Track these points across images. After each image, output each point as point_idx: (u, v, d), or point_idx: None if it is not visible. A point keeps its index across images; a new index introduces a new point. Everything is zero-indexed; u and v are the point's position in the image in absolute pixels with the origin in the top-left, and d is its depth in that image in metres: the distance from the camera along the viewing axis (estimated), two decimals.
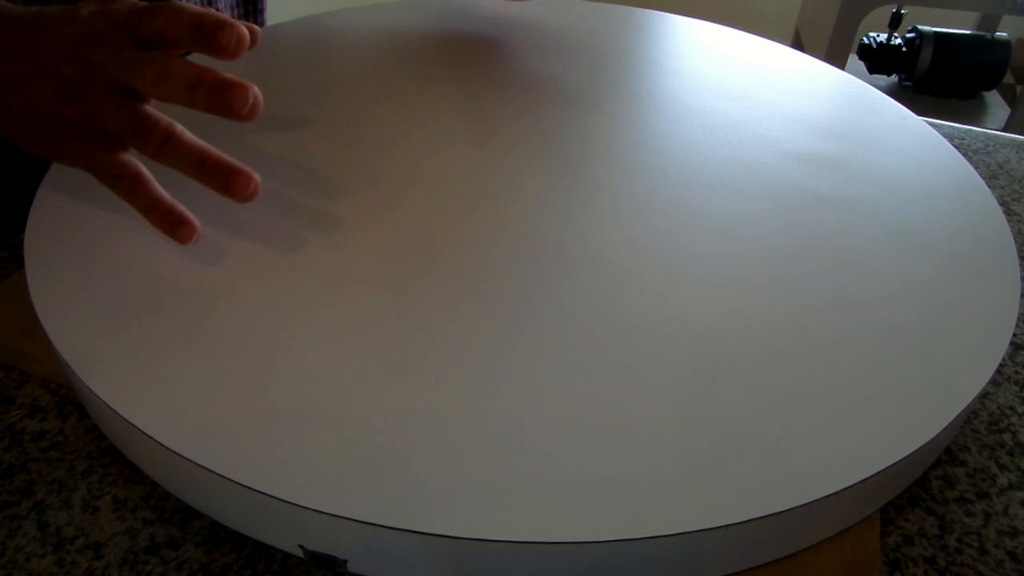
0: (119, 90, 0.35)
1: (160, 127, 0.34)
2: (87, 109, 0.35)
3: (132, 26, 0.35)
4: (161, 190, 0.37)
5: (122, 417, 0.29)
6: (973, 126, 0.62)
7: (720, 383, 0.31)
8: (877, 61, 1.84)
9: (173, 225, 0.36)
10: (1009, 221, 0.44)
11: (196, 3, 0.58)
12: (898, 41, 1.81)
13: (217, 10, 0.62)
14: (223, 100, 0.33)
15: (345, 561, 0.28)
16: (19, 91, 0.36)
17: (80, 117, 0.35)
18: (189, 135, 0.35)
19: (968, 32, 1.80)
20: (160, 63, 0.33)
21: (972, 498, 0.33)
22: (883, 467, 0.28)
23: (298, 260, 0.37)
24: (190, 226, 0.36)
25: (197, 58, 0.37)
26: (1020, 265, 0.39)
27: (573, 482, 0.27)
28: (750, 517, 0.26)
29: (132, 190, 0.36)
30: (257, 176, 0.35)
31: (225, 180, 0.34)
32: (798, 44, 2.01)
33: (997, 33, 1.78)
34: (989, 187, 0.45)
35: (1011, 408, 0.38)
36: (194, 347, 0.32)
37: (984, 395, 0.38)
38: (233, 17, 0.66)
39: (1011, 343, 0.41)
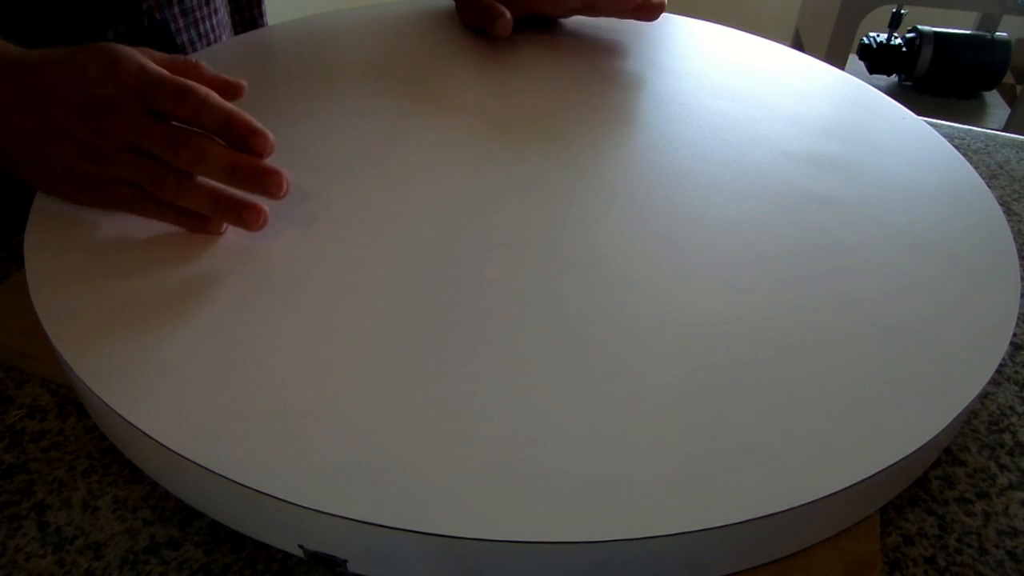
0: (135, 150, 0.36)
1: (173, 176, 0.36)
2: (103, 167, 0.36)
3: (147, 97, 0.36)
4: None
5: (122, 417, 0.29)
6: (973, 126, 0.62)
7: (720, 383, 0.31)
8: (877, 61, 1.84)
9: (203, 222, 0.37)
10: (1009, 221, 0.44)
11: (190, 8, 0.58)
12: (898, 41, 1.81)
13: (215, 10, 0.61)
14: (259, 184, 0.36)
15: (345, 561, 0.28)
16: (35, 143, 0.37)
17: (97, 173, 0.37)
18: (203, 180, 0.37)
19: (968, 32, 1.80)
20: (195, 148, 0.36)
21: (972, 498, 0.33)
22: (883, 467, 0.28)
23: (299, 261, 0.37)
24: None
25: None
26: (1020, 265, 0.39)
27: (573, 482, 0.27)
28: (750, 517, 0.26)
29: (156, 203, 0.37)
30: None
31: (239, 213, 0.37)
32: (798, 44, 2.01)
33: (997, 33, 1.78)
34: (989, 187, 0.45)
35: (1011, 408, 0.38)
36: (194, 347, 0.32)
37: (984, 395, 0.38)
38: (231, 16, 0.66)
39: (1011, 343, 0.41)
